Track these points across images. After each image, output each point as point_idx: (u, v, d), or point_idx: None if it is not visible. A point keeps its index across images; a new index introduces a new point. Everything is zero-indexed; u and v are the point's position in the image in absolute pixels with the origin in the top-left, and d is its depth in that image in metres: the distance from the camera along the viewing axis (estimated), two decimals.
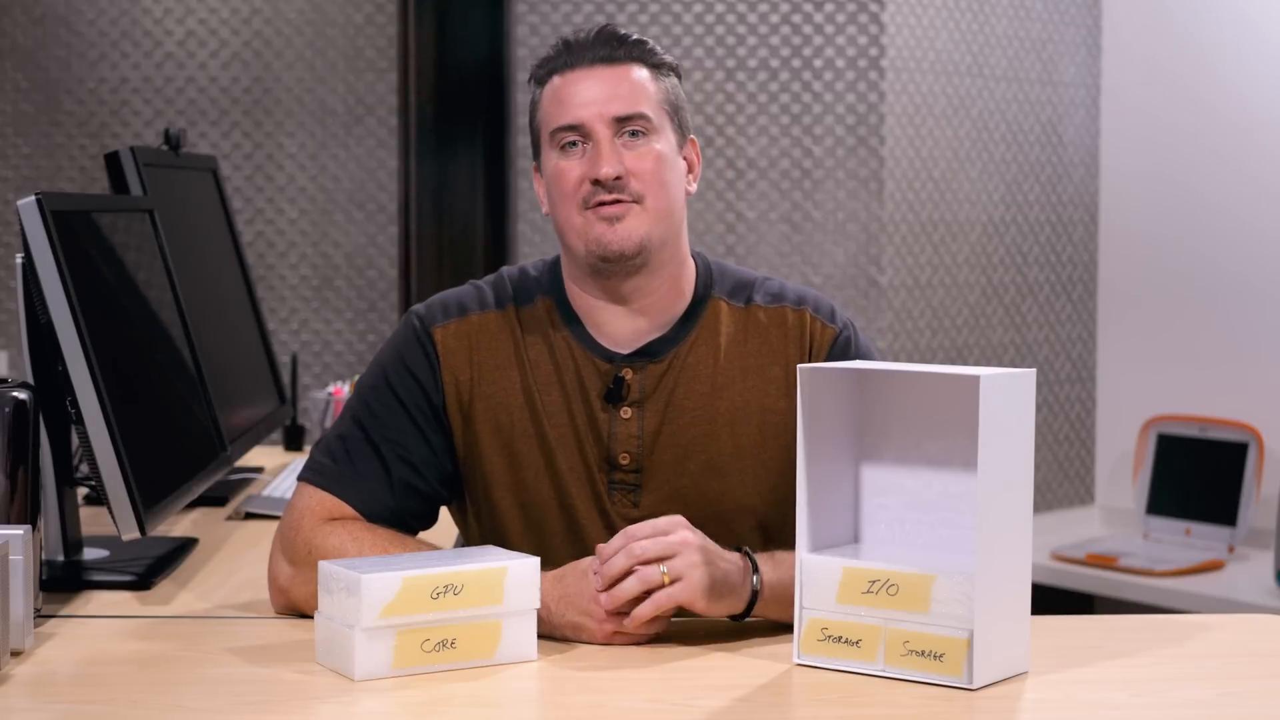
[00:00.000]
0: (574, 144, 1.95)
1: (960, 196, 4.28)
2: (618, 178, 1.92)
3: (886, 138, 4.09)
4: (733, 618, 1.85)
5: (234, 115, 4.33)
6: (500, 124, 4.11)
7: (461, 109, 4.12)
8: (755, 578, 1.83)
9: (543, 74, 2.00)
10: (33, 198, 1.96)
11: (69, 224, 2.03)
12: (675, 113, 1.99)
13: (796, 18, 4.11)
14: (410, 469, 1.98)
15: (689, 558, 1.78)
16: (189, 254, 2.67)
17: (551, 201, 1.98)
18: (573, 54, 1.97)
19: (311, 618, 1.81)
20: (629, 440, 1.97)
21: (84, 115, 4.33)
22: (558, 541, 1.98)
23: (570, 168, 1.95)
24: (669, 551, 1.78)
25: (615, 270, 1.95)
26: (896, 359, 4.09)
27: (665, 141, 1.96)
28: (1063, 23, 4.48)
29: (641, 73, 1.97)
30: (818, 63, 4.10)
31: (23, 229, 1.96)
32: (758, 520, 2.00)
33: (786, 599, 1.82)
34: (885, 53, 4.08)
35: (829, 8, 4.10)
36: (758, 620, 1.92)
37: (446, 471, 2.01)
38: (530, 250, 4.13)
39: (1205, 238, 4.35)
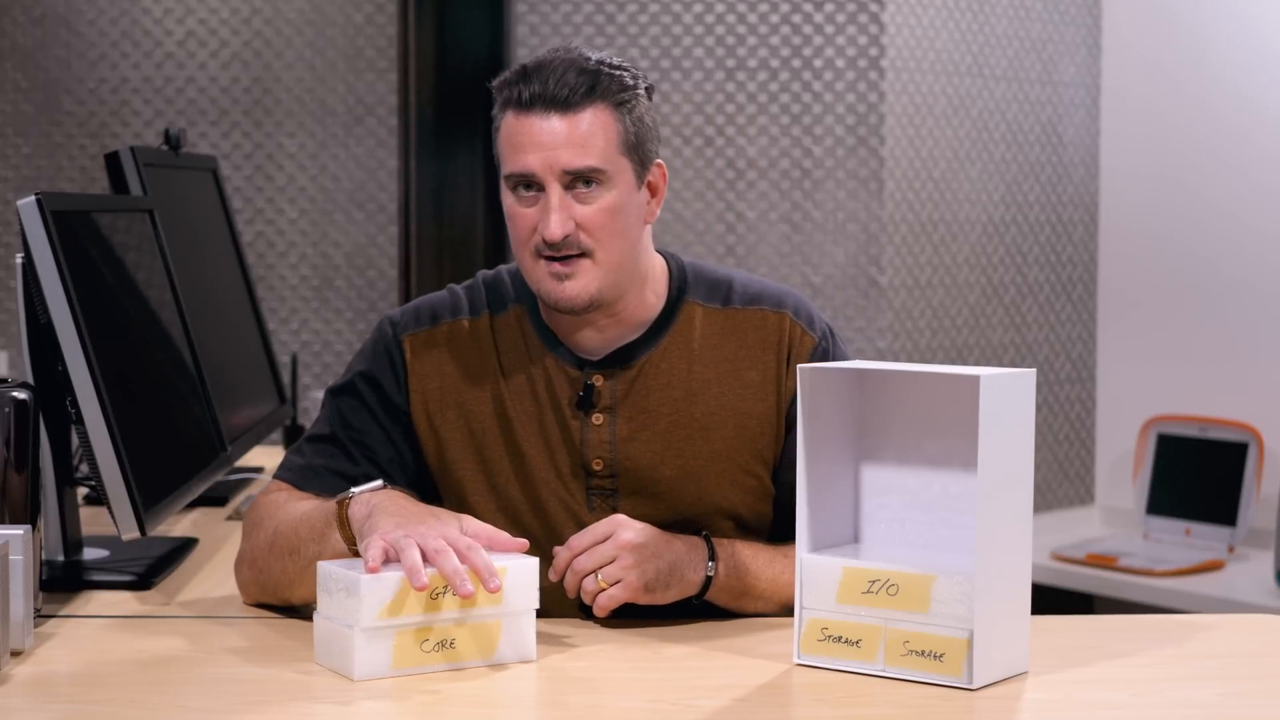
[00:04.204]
0: (528, 187, 1.91)
1: (960, 196, 4.28)
2: (566, 236, 1.90)
3: (886, 138, 4.09)
4: (689, 599, 1.92)
5: (234, 115, 4.33)
6: None
7: (461, 109, 4.12)
8: (711, 564, 1.91)
9: (501, 100, 1.94)
10: (33, 198, 1.96)
11: (69, 224, 2.03)
12: (637, 148, 1.93)
13: (796, 18, 4.11)
14: (375, 467, 2.00)
15: (624, 561, 1.86)
16: (189, 254, 2.67)
17: (510, 234, 1.96)
18: (530, 91, 1.89)
19: (269, 601, 1.95)
20: (601, 446, 1.98)
21: (84, 115, 4.33)
22: (539, 543, 1.97)
23: (523, 215, 1.92)
24: (604, 560, 1.86)
25: (569, 314, 1.96)
26: (896, 359, 4.09)
27: (621, 186, 1.92)
28: (1063, 23, 4.48)
29: (601, 115, 1.90)
30: (818, 63, 4.10)
31: (23, 229, 1.96)
32: (736, 524, 2.01)
33: (735, 590, 1.93)
34: (885, 53, 4.08)
35: (829, 8, 4.09)
36: (758, 620, 1.93)
37: (412, 475, 2.03)
38: None
39: (1205, 238, 4.35)
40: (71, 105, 4.33)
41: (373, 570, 1.68)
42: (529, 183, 1.91)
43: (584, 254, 1.91)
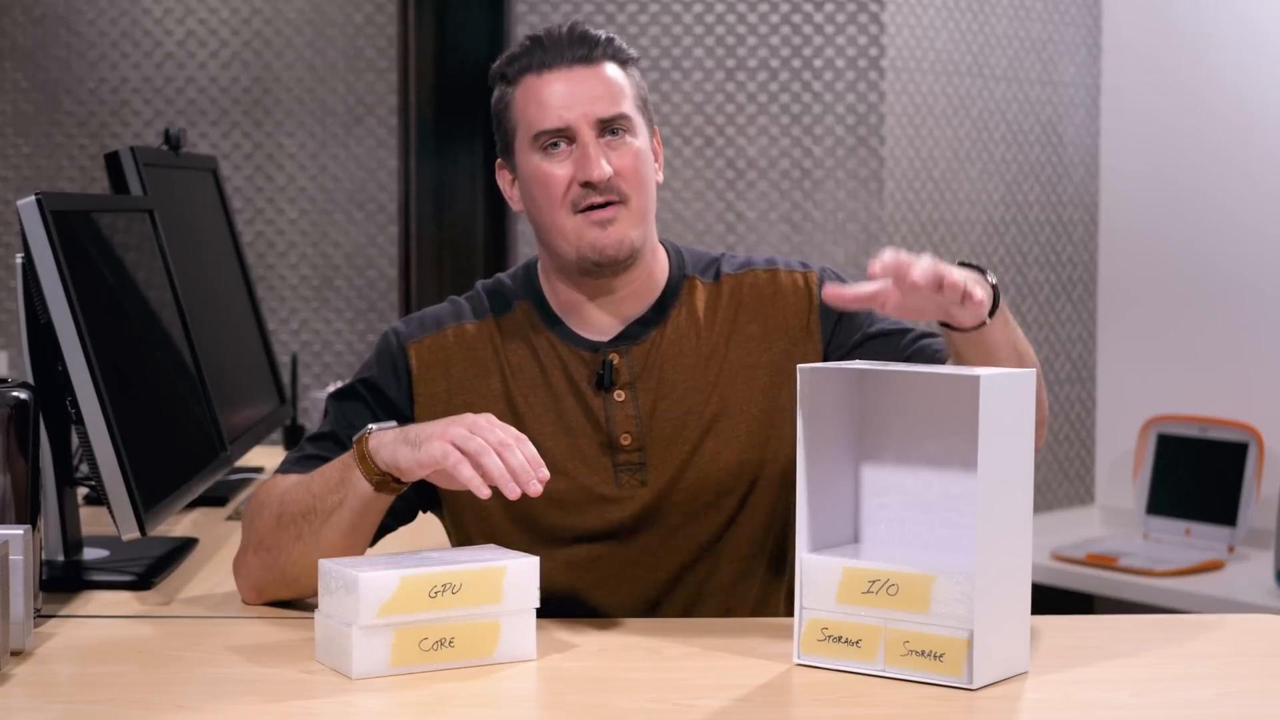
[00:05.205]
0: (557, 145, 1.96)
1: (960, 196, 4.28)
2: (608, 178, 1.94)
3: (886, 138, 4.09)
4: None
5: (234, 115, 4.33)
6: None
7: (461, 109, 4.12)
8: (990, 281, 1.82)
9: (513, 72, 2.00)
10: (33, 198, 1.96)
11: (69, 224, 2.03)
12: (644, 107, 2.02)
13: (796, 18, 4.11)
14: None
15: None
16: (189, 254, 2.67)
17: (534, 204, 1.99)
18: (548, 53, 1.97)
19: (274, 592, 1.95)
20: (628, 421, 1.99)
21: (84, 115, 4.33)
22: (551, 535, 1.98)
23: (557, 170, 1.96)
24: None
25: (605, 271, 1.98)
26: None
27: (641, 138, 1.99)
28: (1063, 23, 4.48)
29: (616, 71, 1.99)
30: (818, 63, 4.10)
31: (23, 229, 1.96)
32: (758, 472, 2.02)
33: (1006, 321, 1.82)
34: (885, 53, 4.08)
35: (829, 8, 4.09)
36: (758, 620, 1.93)
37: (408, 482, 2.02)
38: (530, 250, 4.12)
39: (1205, 237, 4.35)
40: (71, 105, 4.33)
41: (468, 472, 1.73)
42: (560, 139, 1.96)
43: (621, 201, 1.96)
